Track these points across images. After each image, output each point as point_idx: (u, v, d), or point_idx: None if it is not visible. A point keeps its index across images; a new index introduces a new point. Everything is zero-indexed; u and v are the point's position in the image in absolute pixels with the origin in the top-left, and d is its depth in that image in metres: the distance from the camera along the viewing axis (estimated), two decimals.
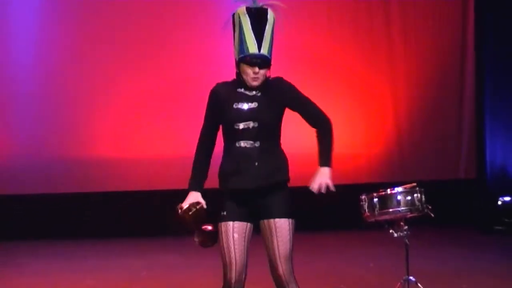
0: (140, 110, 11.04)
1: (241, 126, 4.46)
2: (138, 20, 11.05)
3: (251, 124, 4.45)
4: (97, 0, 11.12)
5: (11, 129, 10.94)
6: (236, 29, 4.53)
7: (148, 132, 11.02)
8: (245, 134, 4.46)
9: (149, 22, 11.06)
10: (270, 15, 4.53)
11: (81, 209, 10.94)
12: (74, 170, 10.91)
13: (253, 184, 4.44)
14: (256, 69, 4.46)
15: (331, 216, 10.11)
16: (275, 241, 4.44)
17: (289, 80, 4.64)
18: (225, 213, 4.48)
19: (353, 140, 11.34)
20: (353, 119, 11.32)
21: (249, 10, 4.50)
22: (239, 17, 4.51)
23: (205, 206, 4.50)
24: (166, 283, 7.89)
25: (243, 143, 4.46)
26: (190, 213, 4.45)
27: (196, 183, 4.58)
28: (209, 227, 4.51)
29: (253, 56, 4.45)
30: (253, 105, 4.47)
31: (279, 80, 4.62)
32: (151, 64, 11.05)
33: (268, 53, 4.49)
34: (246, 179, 4.44)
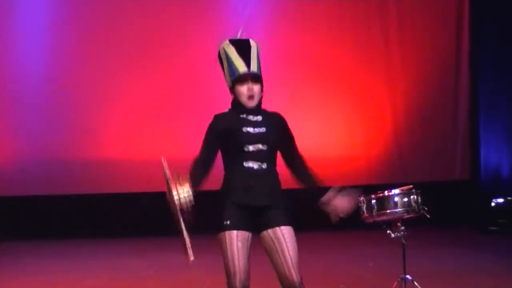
0: (146, 112, 11.04)
1: (251, 148, 4.48)
2: (144, 25, 11.05)
3: (260, 146, 4.48)
4: (104, 5, 11.10)
5: (20, 131, 10.92)
6: (224, 61, 4.59)
7: (153, 134, 11.00)
8: (254, 155, 4.47)
9: (155, 27, 11.07)
10: (253, 42, 4.60)
11: (84, 210, 10.94)
12: (79, 171, 10.90)
13: (262, 202, 4.46)
14: (250, 84, 4.48)
15: (329, 217, 10.10)
16: (285, 248, 4.43)
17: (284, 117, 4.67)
18: (228, 222, 4.44)
19: (352, 142, 11.36)
20: (352, 122, 11.34)
21: (232, 41, 4.59)
22: (224, 50, 4.58)
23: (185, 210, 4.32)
24: (167, 283, 7.88)
25: (251, 163, 4.48)
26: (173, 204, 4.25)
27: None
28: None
29: (244, 73, 4.49)
30: (262, 129, 4.50)
31: (278, 114, 4.65)
32: (157, 68, 11.05)
33: (257, 70, 4.52)
34: (258, 197, 4.46)
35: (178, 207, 4.17)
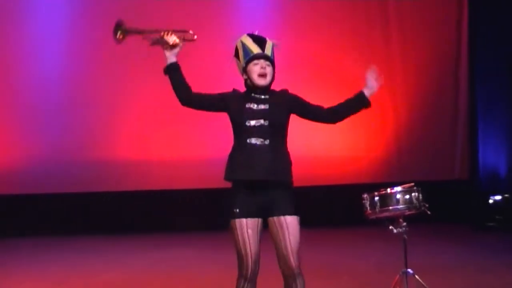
0: (157, 114, 11.02)
1: (253, 123, 4.51)
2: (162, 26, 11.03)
3: (261, 121, 4.51)
4: (120, 12, 11.03)
5: (40, 132, 10.91)
6: (239, 50, 4.66)
7: (164, 135, 10.98)
8: (256, 131, 4.50)
9: (174, 20, 11.02)
10: (269, 40, 4.67)
11: (101, 206, 10.94)
12: (95, 170, 10.90)
13: (261, 176, 4.46)
14: (262, 63, 4.55)
15: (335, 214, 10.12)
16: (287, 237, 4.48)
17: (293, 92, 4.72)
18: (237, 210, 4.49)
19: (355, 144, 11.35)
20: (355, 124, 11.27)
21: (249, 34, 4.68)
22: (241, 41, 4.67)
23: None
24: (180, 275, 7.87)
25: (254, 140, 4.50)
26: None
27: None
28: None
29: (257, 54, 4.57)
30: (265, 106, 4.54)
31: (284, 90, 4.71)
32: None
33: (271, 54, 4.60)
34: (256, 172, 4.47)
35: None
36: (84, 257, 9.11)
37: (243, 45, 4.63)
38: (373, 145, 11.43)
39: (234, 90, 4.70)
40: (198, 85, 11.27)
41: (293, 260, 4.50)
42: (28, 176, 10.76)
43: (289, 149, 4.64)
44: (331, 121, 4.83)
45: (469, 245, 9.50)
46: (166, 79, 11.48)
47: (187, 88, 4.79)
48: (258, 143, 4.50)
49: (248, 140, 4.50)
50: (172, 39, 4.68)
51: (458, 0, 11.65)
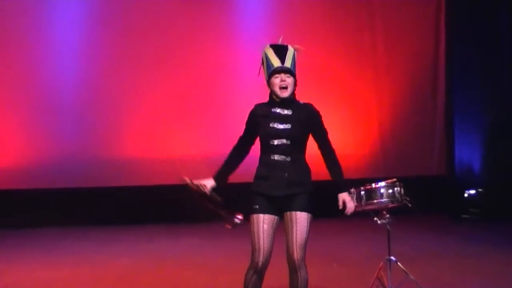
0: (163, 115, 10.94)
1: (276, 142, 4.53)
2: (165, 35, 10.94)
3: (284, 141, 4.52)
4: (130, 18, 10.96)
5: (56, 132, 10.83)
6: (264, 62, 4.63)
7: (171, 133, 10.90)
8: (279, 149, 4.52)
9: (175, 37, 10.98)
10: (290, 47, 4.64)
11: (116, 200, 10.84)
12: (107, 166, 10.82)
13: (281, 192, 4.51)
14: (283, 76, 4.53)
15: (326, 206, 10.08)
16: (294, 230, 4.51)
17: (317, 109, 4.71)
18: (257, 206, 4.53)
19: (343, 143, 11.28)
20: (344, 125, 11.27)
21: (272, 45, 4.64)
22: (265, 52, 4.62)
23: (204, 190, 4.59)
24: (191, 262, 7.90)
25: (276, 156, 4.53)
26: (190, 187, 4.61)
27: (217, 173, 4.68)
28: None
29: (278, 67, 4.54)
30: (287, 126, 4.53)
31: (309, 106, 4.69)
32: (175, 74, 10.95)
33: (291, 66, 4.57)
34: (276, 187, 4.51)
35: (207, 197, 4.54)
36: (100, 245, 9.12)
37: (266, 58, 4.60)
38: (360, 144, 11.39)
39: (256, 106, 4.67)
40: (199, 87, 11.11)
41: (296, 253, 4.51)
42: (41, 172, 10.69)
43: None
44: (320, 152, 4.79)
45: (447, 235, 9.51)
46: (173, 83, 11.31)
47: (245, 155, 4.76)
48: (280, 159, 4.53)
49: (271, 156, 4.53)
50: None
51: (437, 11, 11.61)
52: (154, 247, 9.01)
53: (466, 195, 10.73)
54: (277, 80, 4.55)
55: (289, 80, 4.56)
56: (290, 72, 4.57)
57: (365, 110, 11.51)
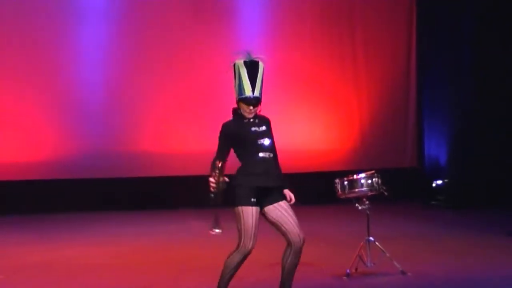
0: (177, 112, 10.89)
1: (260, 141, 4.56)
2: (175, 46, 10.91)
3: (266, 140, 4.58)
4: (150, 25, 10.90)
5: (83, 129, 10.72)
6: (236, 76, 4.59)
7: (182, 129, 10.85)
8: (264, 148, 4.56)
9: (183, 47, 10.94)
10: (260, 64, 4.60)
11: (133, 188, 10.77)
12: (124, 159, 10.74)
13: (274, 183, 4.58)
14: (251, 108, 4.56)
15: (314, 195, 10.01)
16: (291, 215, 4.59)
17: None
18: (246, 199, 4.53)
19: (328, 139, 11.29)
20: (329, 124, 11.24)
21: (245, 63, 4.58)
22: (238, 68, 4.57)
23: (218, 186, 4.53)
24: (196, 241, 7.90)
25: (262, 154, 4.56)
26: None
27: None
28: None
29: (249, 98, 4.54)
30: (263, 127, 4.60)
31: (266, 117, 4.70)
32: (183, 77, 10.90)
33: (259, 94, 4.56)
34: (270, 179, 4.56)
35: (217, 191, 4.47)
36: (123, 227, 9.12)
37: (239, 76, 4.56)
38: (343, 140, 11.32)
39: (226, 124, 4.63)
40: (203, 90, 11.00)
41: (301, 232, 4.62)
42: (72, 163, 10.59)
43: (276, 144, 4.71)
44: None
45: (418, 219, 9.53)
46: (185, 85, 11.16)
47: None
48: (266, 156, 4.57)
49: (259, 154, 4.55)
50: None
51: (408, 23, 11.58)
52: (168, 229, 9.00)
53: (434, 184, 10.71)
54: (246, 108, 4.57)
55: (254, 109, 4.59)
56: (258, 102, 4.58)
57: (347, 110, 11.49)
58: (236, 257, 4.56)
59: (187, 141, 10.80)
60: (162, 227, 9.23)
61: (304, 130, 11.10)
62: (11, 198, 10.32)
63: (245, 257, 4.58)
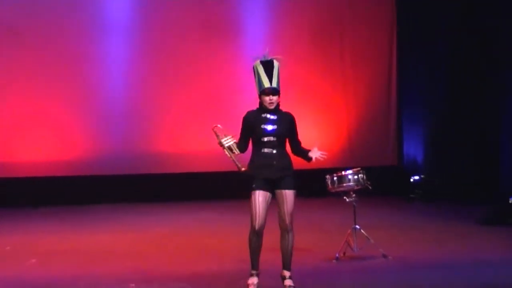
0: (190, 115, 10.76)
1: (265, 139, 4.64)
2: (188, 56, 10.82)
3: (271, 138, 4.64)
4: (162, 49, 10.82)
5: (101, 128, 10.63)
6: (255, 75, 4.69)
7: (194, 131, 10.66)
8: (268, 144, 4.64)
9: (194, 58, 10.86)
10: (275, 63, 4.68)
11: (150, 183, 10.65)
12: (144, 157, 10.62)
13: (275, 175, 4.65)
14: (271, 96, 4.63)
15: (307, 189, 9.96)
16: (285, 202, 4.66)
17: (294, 116, 4.81)
18: (254, 185, 4.64)
19: (319, 140, 11.20)
20: (319, 126, 11.09)
21: (261, 62, 4.68)
22: (256, 67, 4.67)
23: (226, 141, 4.66)
24: (207, 230, 7.93)
25: (266, 150, 4.64)
26: (218, 134, 4.69)
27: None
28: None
29: (267, 88, 4.61)
30: (274, 127, 4.64)
31: (290, 114, 4.78)
32: (197, 82, 10.83)
33: (277, 85, 4.63)
34: (271, 171, 4.63)
35: (225, 146, 4.60)
36: (139, 218, 9.07)
37: (258, 73, 4.64)
38: (333, 140, 11.15)
39: (248, 112, 4.74)
40: (212, 95, 10.85)
41: (287, 219, 4.68)
42: (98, 161, 10.51)
43: None
44: (292, 152, 4.87)
45: (398, 211, 9.53)
46: (197, 92, 10.97)
47: (244, 151, 4.80)
48: (269, 152, 4.63)
49: (262, 150, 4.64)
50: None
51: (390, 33, 11.49)
52: (181, 219, 8.93)
53: (412, 180, 10.68)
54: (266, 98, 4.64)
55: (275, 98, 4.66)
56: (277, 92, 4.64)
57: (336, 113, 11.42)
58: (251, 236, 4.66)
59: (198, 141, 10.74)
60: (178, 216, 9.19)
61: (298, 132, 11.02)
62: (49, 192, 10.25)
63: (258, 236, 4.64)
